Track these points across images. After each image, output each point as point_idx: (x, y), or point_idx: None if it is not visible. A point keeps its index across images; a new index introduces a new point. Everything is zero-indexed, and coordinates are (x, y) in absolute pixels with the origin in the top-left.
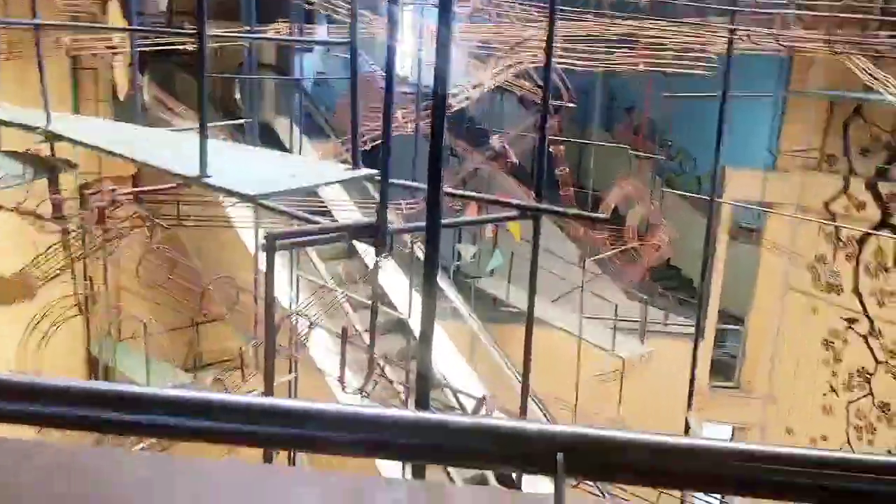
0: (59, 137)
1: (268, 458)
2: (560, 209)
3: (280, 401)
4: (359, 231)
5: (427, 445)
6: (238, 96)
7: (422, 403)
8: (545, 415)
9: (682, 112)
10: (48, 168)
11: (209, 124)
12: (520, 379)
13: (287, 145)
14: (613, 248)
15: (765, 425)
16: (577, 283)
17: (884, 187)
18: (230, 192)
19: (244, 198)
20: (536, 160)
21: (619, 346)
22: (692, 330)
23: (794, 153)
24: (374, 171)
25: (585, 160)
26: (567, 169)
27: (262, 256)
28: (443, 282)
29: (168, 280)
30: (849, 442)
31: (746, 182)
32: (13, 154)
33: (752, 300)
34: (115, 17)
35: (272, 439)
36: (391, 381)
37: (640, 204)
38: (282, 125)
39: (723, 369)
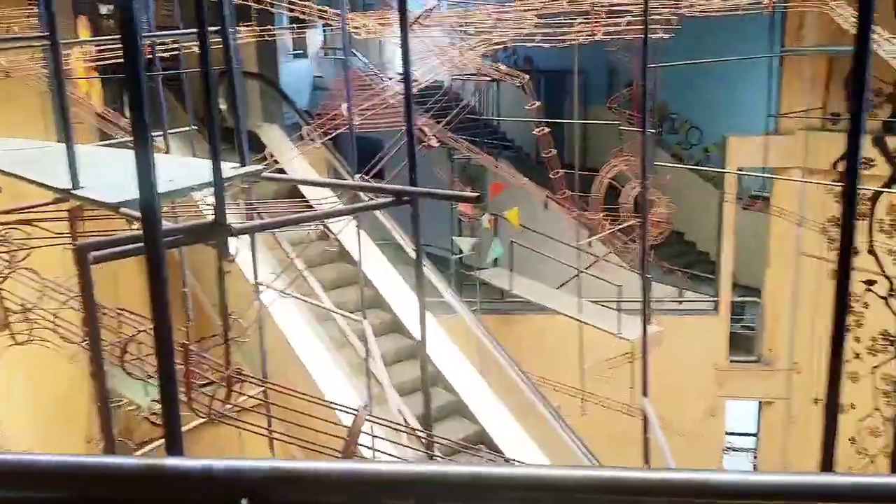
0: None
1: None
2: (434, 192)
3: None
4: (194, 233)
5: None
6: (223, 106)
7: None
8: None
9: (682, 83)
10: None
11: (164, 132)
12: (518, 369)
13: (273, 152)
14: (611, 228)
15: (790, 398)
16: (580, 267)
17: (891, 141)
18: (96, 203)
19: (109, 207)
20: (408, 145)
21: (625, 329)
22: (706, 305)
23: (796, 115)
24: (260, 168)
25: (587, 139)
26: (553, 151)
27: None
28: (435, 275)
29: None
30: (878, 408)
31: (750, 149)
32: None
33: (767, 270)
34: (84, 34)
35: None
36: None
37: (633, 179)
38: (267, 132)
39: (742, 343)
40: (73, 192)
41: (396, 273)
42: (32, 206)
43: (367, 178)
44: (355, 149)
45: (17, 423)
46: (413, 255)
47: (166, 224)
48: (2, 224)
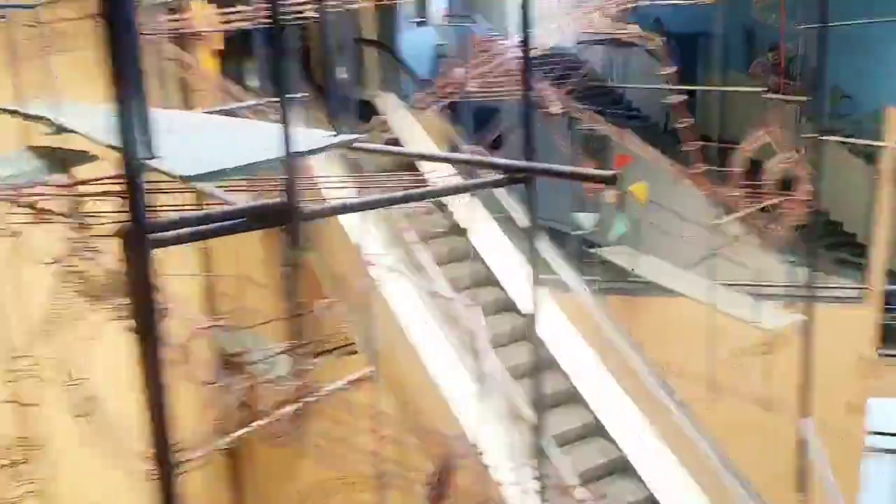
0: (64, 129)
1: None
2: (554, 168)
3: None
4: (262, 217)
5: None
6: (345, 75)
7: None
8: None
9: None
10: (61, 161)
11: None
12: (640, 354)
13: (386, 121)
14: (751, 207)
15: None
16: (713, 247)
17: None
18: (170, 175)
19: (184, 179)
20: (524, 115)
21: (763, 317)
22: (853, 294)
23: None
24: (353, 137)
25: (723, 109)
26: (689, 121)
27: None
28: (552, 251)
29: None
30: None
31: None
32: (32, 149)
33: None
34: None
35: None
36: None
37: (780, 153)
38: (384, 101)
39: (894, 336)
40: (144, 160)
41: (512, 247)
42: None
43: (481, 149)
44: (469, 117)
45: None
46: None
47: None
48: (83, 195)
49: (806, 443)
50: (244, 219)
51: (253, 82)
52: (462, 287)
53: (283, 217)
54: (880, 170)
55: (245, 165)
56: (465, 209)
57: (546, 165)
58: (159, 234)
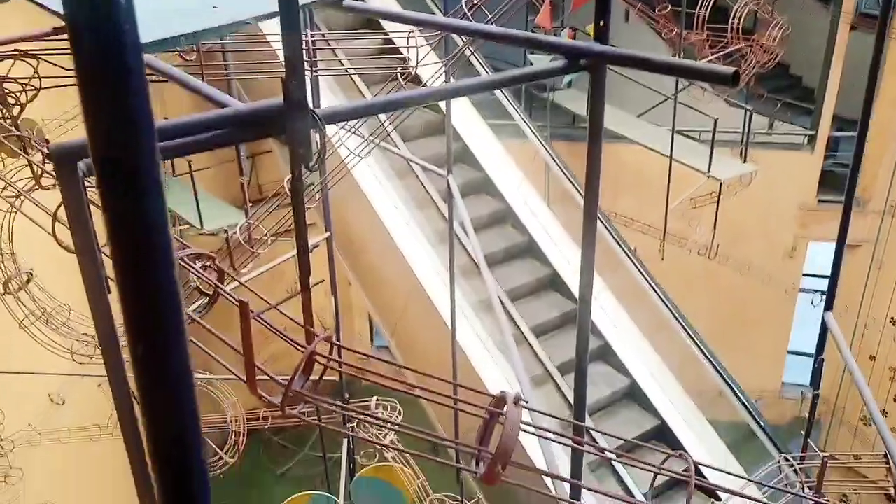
0: None
1: None
2: (639, 56)
3: None
4: (255, 123)
5: None
6: None
7: None
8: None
9: None
10: None
11: None
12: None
13: None
14: (714, 52)
15: (880, 241)
16: (668, 93)
17: None
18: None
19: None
20: None
21: (716, 167)
22: (800, 140)
23: None
24: None
25: None
26: None
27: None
28: (505, 96)
29: None
30: None
31: None
32: None
33: (875, 102)
34: None
35: None
36: None
37: None
38: None
39: (834, 182)
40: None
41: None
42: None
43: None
44: None
45: None
46: (505, 100)
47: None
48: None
49: (830, 335)
50: (231, 127)
51: None
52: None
53: (287, 121)
54: (838, 11)
55: (210, 29)
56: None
57: (626, 52)
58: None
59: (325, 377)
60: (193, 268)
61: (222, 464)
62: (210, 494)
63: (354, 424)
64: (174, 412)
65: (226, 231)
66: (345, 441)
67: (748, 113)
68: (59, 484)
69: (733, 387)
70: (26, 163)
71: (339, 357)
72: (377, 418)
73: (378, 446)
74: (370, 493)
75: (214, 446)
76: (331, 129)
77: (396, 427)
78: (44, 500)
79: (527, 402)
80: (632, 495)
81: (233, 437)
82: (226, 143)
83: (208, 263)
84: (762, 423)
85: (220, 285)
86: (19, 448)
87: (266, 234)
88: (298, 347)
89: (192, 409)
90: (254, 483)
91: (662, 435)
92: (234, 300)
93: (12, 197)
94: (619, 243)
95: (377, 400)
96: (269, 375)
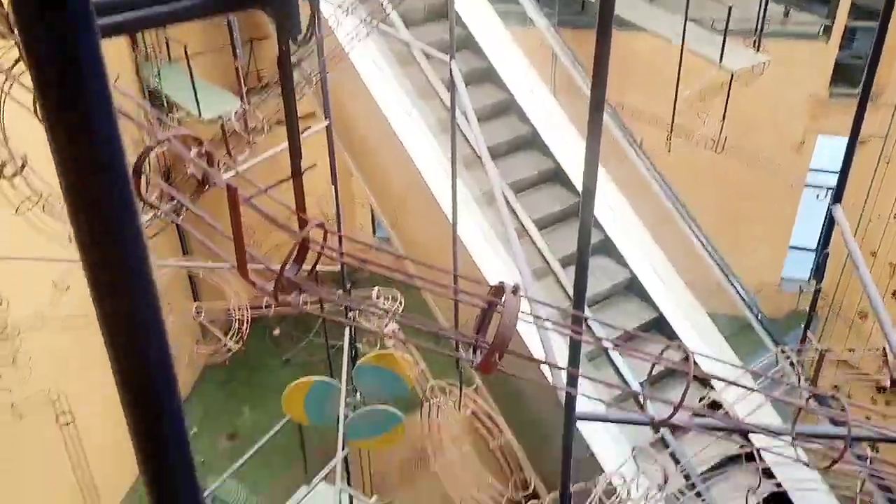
0: None
1: None
2: None
3: None
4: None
5: None
6: None
7: None
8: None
9: None
10: None
11: None
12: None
13: None
14: None
15: (890, 136)
16: None
17: None
18: None
19: None
20: None
21: (728, 57)
22: (815, 30)
23: None
24: None
25: None
26: None
27: None
28: None
29: None
30: None
31: None
32: None
33: None
34: None
35: None
36: None
37: None
38: None
39: (847, 74)
40: None
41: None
42: None
43: None
44: None
45: None
46: None
47: None
48: None
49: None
50: None
51: None
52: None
53: None
54: None
55: None
56: None
57: None
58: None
59: (326, 268)
60: (181, 149)
61: (227, 350)
62: (175, 385)
63: (356, 314)
64: (130, 305)
65: (220, 118)
66: (346, 329)
67: (763, 0)
68: (62, 368)
69: (732, 280)
70: (13, 43)
71: (334, 245)
72: (377, 307)
73: (379, 335)
74: (372, 379)
75: (219, 333)
76: (327, 10)
77: (396, 317)
78: (49, 383)
79: (524, 292)
80: (628, 385)
81: (236, 324)
82: (209, 12)
83: (197, 147)
84: (759, 316)
85: (209, 169)
86: (25, 333)
87: (262, 121)
88: (290, 234)
89: (149, 296)
90: (260, 368)
91: (660, 327)
92: (221, 184)
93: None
94: (625, 135)
95: (379, 290)
96: (261, 262)
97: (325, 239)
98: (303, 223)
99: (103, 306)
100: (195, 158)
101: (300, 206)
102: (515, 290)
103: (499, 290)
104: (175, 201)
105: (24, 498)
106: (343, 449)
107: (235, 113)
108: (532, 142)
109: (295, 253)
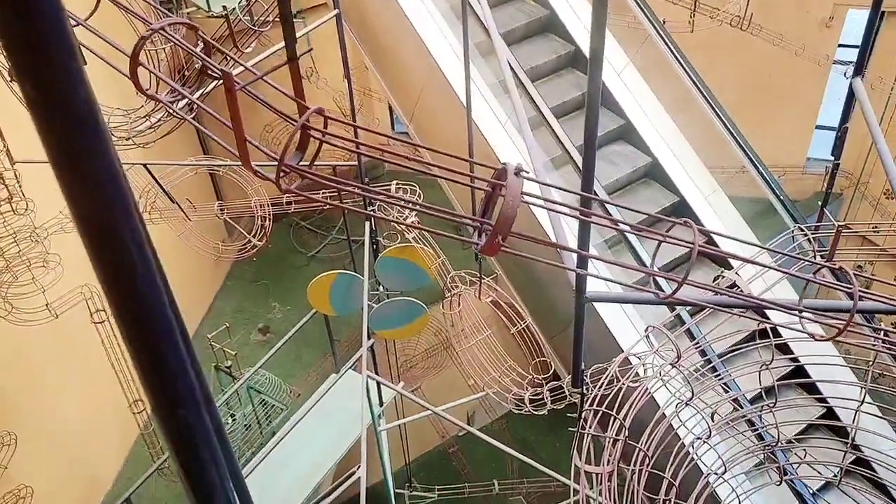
0: None
1: None
2: None
3: None
4: None
5: None
6: None
7: None
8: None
9: None
10: None
11: None
12: None
13: None
14: None
15: None
16: None
17: None
18: None
19: None
20: None
21: None
22: None
23: None
24: None
25: None
26: None
27: None
28: None
29: None
30: None
31: None
32: None
33: None
34: None
35: None
36: None
37: None
38: None
39: None
40: None
41: None
42: None
43: None
44: None
45: None
46: None
47: None
48: None
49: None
50: None
51: None
52: None
53: None
54: None
55: None
56: None
57: None
58: None
59: (345, 163)
60: (174, 38)
61: (251, 246)
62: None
63: (376, 207)
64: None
65: (224, 8)
66: (366, 223)
67: None
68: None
69: (755, 161)
70: None
71: (335, 132)
72: (391, 196)
73: (397, 225)
74: (394, 271)
75: (243, 230)
76: None
77: (410, 205)
78: (80, 282)
79: (528, 173)
80: (645, 266)
81: (259, 221)
82: None
83: (196, 36)
84: (781, 196)
85: (207, 59)
86: (53, 236)
87: (266, 11)
88: (290, 121)
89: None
90: (287, 266)
91: (680, 211)
92: (217, 71)
93: None
94: (646, 15)
95: (397, 184)
96: (262, 150)
97: (325, 126)
98: (301, 109)
99: (75, 210)
100: (189, 46)
101: (298, 91)
102: (518, 171)
103: (503, 172)
104: (185, 100)
105: (68, 392)
106: (369, 339)
107: (239, 3)
108: (549, 25)
109: (297, 141)
